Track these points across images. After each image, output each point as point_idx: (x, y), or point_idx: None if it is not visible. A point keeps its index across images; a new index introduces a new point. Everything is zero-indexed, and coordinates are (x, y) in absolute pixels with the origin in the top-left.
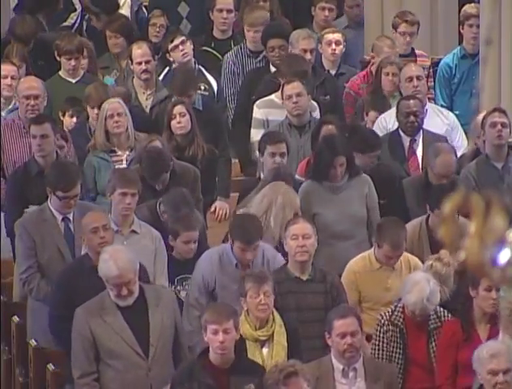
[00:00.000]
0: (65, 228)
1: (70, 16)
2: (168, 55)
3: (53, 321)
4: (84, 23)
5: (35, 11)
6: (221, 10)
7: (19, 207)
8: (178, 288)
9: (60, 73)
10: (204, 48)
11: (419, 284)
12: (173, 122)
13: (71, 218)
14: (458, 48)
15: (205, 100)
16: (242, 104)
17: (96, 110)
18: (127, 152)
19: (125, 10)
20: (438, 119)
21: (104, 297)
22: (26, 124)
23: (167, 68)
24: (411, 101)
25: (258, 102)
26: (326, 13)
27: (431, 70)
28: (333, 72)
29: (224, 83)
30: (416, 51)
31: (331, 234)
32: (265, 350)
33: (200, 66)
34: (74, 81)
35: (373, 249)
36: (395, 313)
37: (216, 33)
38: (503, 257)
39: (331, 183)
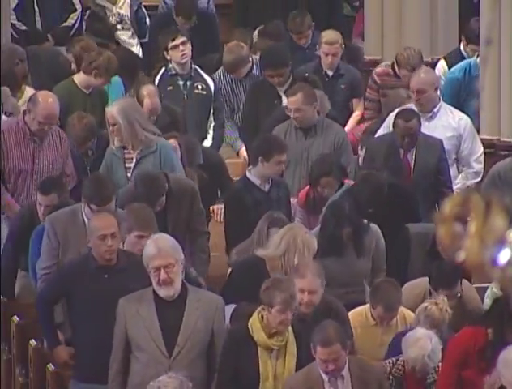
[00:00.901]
0: None
1: (71, 16)
2: (166, 53)
3: (40, 303)
4: (84, 24)
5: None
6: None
7: (15, 251)
8: None
9: (75, 80)
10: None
11: (420, 340)
12: None
13: None
14: (471, 64)
15: (204, 154)
16: (249, 117)
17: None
18: (137, 151)
19: (124, 10)
20: (446, 119)
21: (147, 290)
22: (32, 133)
23: (163, 68)
24: (408, 123)
25: None
26: (303, 41)
27: None
28: (330, 73)
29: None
30: None
31: (334, 284)
32: (273, 359)
33: (196, 66)
34: (87, 92)
35: (369, 305)
36: (396, 366)
37: None
38: (503, 257)
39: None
